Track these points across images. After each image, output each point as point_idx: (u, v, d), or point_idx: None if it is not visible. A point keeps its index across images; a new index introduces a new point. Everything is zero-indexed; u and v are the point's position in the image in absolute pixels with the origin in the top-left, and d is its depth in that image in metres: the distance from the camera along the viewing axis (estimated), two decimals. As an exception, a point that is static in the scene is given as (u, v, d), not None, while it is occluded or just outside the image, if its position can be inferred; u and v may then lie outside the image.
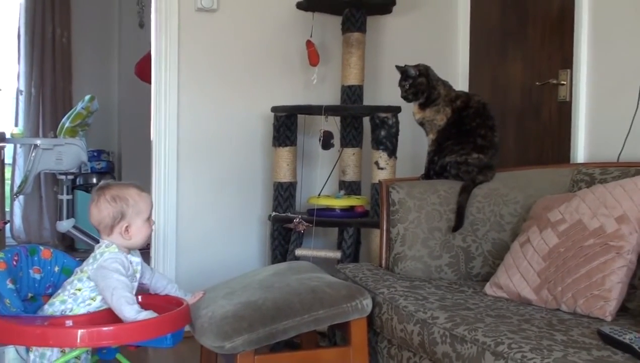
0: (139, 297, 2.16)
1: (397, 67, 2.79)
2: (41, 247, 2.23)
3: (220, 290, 2.34)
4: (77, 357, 1.98)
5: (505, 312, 1.99)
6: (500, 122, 2.84)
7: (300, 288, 2.21)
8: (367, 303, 2.18)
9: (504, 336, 1.74)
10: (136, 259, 2.09)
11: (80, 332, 1.83)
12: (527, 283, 2.14)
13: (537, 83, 3.29)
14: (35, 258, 2.17)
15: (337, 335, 2.63)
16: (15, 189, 5.63)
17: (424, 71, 2.75)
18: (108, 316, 2.00)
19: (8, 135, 5.24)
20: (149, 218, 2.11)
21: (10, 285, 1.97)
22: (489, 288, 2.25)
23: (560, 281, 2.05)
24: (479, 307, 2.04)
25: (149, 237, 2.13)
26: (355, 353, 2.17)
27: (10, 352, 3.17)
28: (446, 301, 2.11)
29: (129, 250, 2.10)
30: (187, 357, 3.14)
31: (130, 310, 1.91)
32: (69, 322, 1.92)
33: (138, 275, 2.09)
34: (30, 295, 2.12)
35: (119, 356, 2.24)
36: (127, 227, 2.05)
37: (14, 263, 2.07)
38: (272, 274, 2.42)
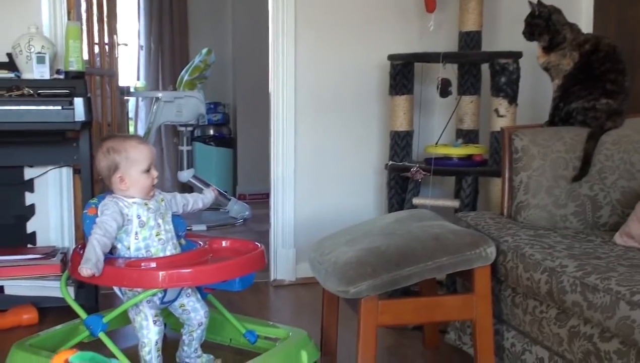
0: (225, 242, 2.38)
1: (530, 2, 2.70)
2: None
3: (341, 237, 2.38)
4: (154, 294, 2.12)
5: (638, 262, 1.92)
6: (629, 66, 2.70)
7: (422, 235, 2.22)
8: (491, 251, 2.16)
9: (639, 286, 1.69)
10: (134, 209, 2.13)
11: (161, 273, 2.00)
12: (662, 233, 2.06)
13: (671, 23, 3.10)
14: None
15: (457, 283, 2.63)
16: (138, 141, 5.88)
17: (546, 14, 2.66)
18: (187, 259, 2.15)
19: (132, 89, 5.48)
20: (148, 170, 2.15)
21: None
22: (619, 238, 2.18)
23: (699, 231, 1.96)
24: (610, 257, 1.99)
25: (150, 188, 2.17)
26: (479, 300, 2.17)
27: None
28: (574, 250, 2.06)
29: (144, 198, 2.16)
30: (307, 302, 3.24)
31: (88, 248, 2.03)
32: (152, 264, 2.07)
33: (138, 219, 2.14)
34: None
35: (210, 297, 2.39)
36: (120, 177, 2.13)
37: None
38: (393, 221, 2.44)
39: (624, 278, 1.75)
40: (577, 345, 1.90)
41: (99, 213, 2.13)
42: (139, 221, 2.13)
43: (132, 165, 2.14)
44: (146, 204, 2.16)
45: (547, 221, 2.44)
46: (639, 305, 1.62)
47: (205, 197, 2.42)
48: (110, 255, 2.12)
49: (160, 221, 2.18)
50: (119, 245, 2.15)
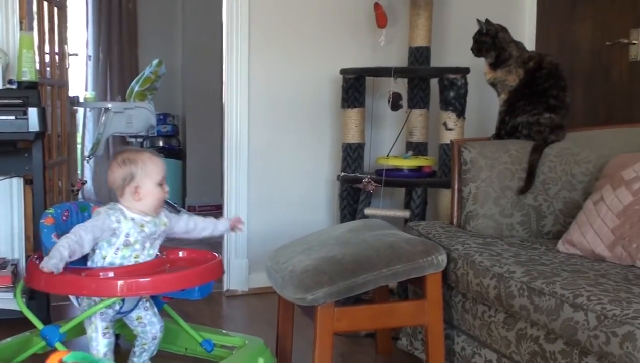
0: (182, 252, 2.39)
1: (478, 20, 2.81)
2: (92, 204, 2.35)
3: (297, 246, 2.43)
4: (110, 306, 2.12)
5: (580, 268, 2.03)
6: (569, 83, 2.84)
7: (377, 244, 2.29)
8: (443, 258, 2.25)
9: (582, 289, 1.79)
10: (126, 226, 2.12)
11: (120, 282, 2.01)
12: (601, 241, 2.17)
13: (607, 43, 3.26)
14: (86, 214, 2.29)
15: (409, 290, 2.71)
16: (86, 152, 5.84)
17: (493, 32, 2.77)
18: (145, 268, 2.16)
19: (80, 100, 5.43)
20: (161, 184, 2.18)
21: (55, 240, 2.10)
22: (561, 246, 2.29)
23: (635, 237, 2.08)
24: (554, 263, 2.09)
25: (161, 202, 2.21)
26: (431, 306, 2.25)
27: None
28: (521, 257, 2.16)
29: (145, 213, 2.17)
30: (261, 312, 3.27)
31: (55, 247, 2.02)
32: (111, 274, 2.08)
33: (127, 238, 2.13)
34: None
35: (166, 307, 2.42)
36: (136, 187, 2.14)
37: (64, 218, 2.21)
38: (347, 231, 2.51)
39: (568, 283, 1.86)
40: (524, 346, 1.99)
41: (94, 214, 2.14)
42: (125, 239, 2.13)
43: (148, 176, 2.15)
44: (142, 226, 2.15)
45: (494, 230, 2.54)
46: (581, 307, 1.72)
47: (220, 224, 2.43)
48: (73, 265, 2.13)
49: (147, 244, 2.18)
50: (97, 251, 2.13)
